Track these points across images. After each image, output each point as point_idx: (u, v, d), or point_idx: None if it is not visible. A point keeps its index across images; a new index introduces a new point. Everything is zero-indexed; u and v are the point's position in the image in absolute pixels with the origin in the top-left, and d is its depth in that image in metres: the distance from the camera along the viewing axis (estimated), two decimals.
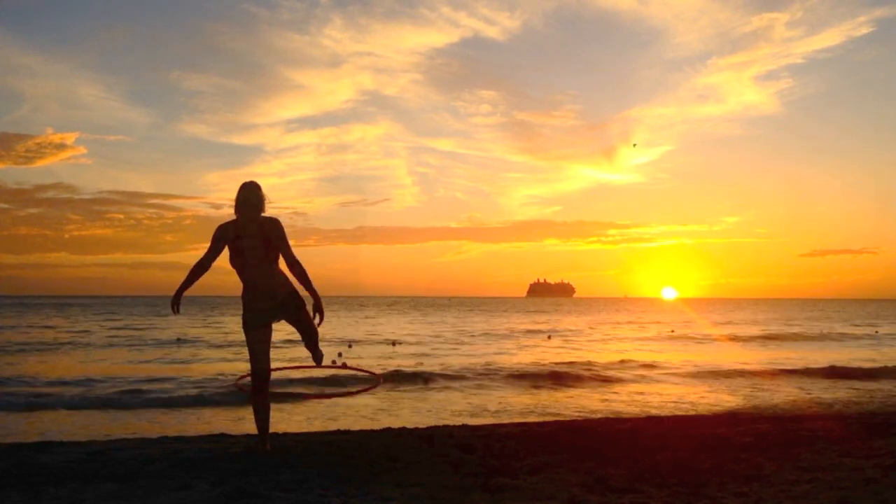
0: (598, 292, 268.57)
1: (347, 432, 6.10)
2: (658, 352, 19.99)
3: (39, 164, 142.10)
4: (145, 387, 11.01)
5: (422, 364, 15.00)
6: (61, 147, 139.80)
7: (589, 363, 15.49)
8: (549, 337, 27.05)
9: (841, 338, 27.10)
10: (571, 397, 10.73)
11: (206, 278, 4.77)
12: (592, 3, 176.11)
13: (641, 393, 11.20)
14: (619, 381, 12.77)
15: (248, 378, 4.76)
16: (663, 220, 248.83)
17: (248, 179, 4.63)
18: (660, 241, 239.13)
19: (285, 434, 5.89)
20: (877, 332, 31.07)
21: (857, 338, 26.97)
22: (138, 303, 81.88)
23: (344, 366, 7.70)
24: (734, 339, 26.23)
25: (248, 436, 5.48)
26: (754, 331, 31.07)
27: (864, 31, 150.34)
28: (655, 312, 59.56)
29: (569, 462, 4.47)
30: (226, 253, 4.66)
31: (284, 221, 4.65)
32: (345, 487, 3.77)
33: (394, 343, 22.45)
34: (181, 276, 4.70)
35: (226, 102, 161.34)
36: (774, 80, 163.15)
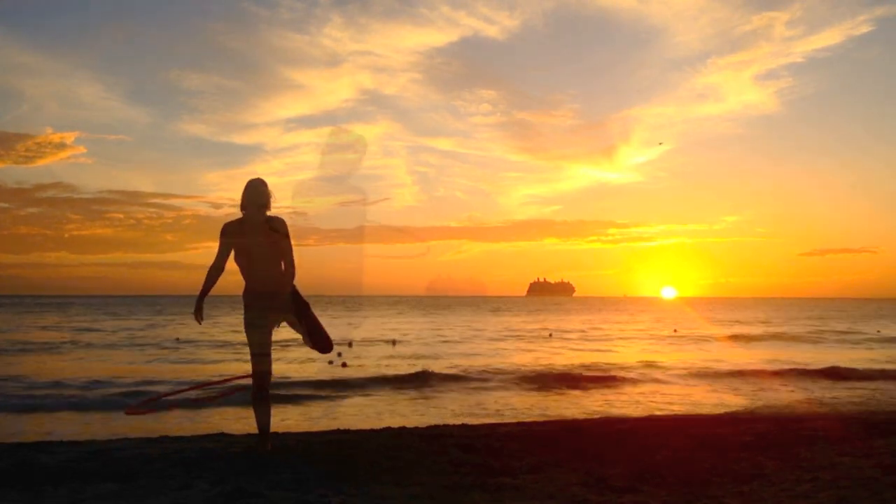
0: (598, 291, 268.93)
1: (347, 432, 6.11)
2: (659, 352, 19.99)
3: (39, 163, 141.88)
4: (145, 387, 11.01)
5: (422, 364, 14.99)
6: (61, 146, 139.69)
7: (589, 363, 15.50)
8: (551, 335, 27.07)
9: (841, 338, 27.10)
10: (572, 397, 10.73)
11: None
12: (592, 3, 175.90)
13: (642, 393, 11.20)
14: (620, 380, 12.76)
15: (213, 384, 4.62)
16: (663, 220, 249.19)
17: (251, 178, 4.51)
18: (660, 240, 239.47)
19: (286, 434, 5.89)
20: (878, 331, 31.07)
21: (857, 338, 26.96)
22: (138, 302, 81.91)
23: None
24: (735, 338, 26.23)
25: (249, 435, 5.48)
26: (756, 330, 31.08)
27: (864, 30, 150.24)
28: (655, 312, 59.54)
29: (569, 461, 4.47)
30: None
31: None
32: (345, 487, 3.76)
33: (394, 342, 22.45)
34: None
35: (225, 102, 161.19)
36: (774, 80, 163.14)
